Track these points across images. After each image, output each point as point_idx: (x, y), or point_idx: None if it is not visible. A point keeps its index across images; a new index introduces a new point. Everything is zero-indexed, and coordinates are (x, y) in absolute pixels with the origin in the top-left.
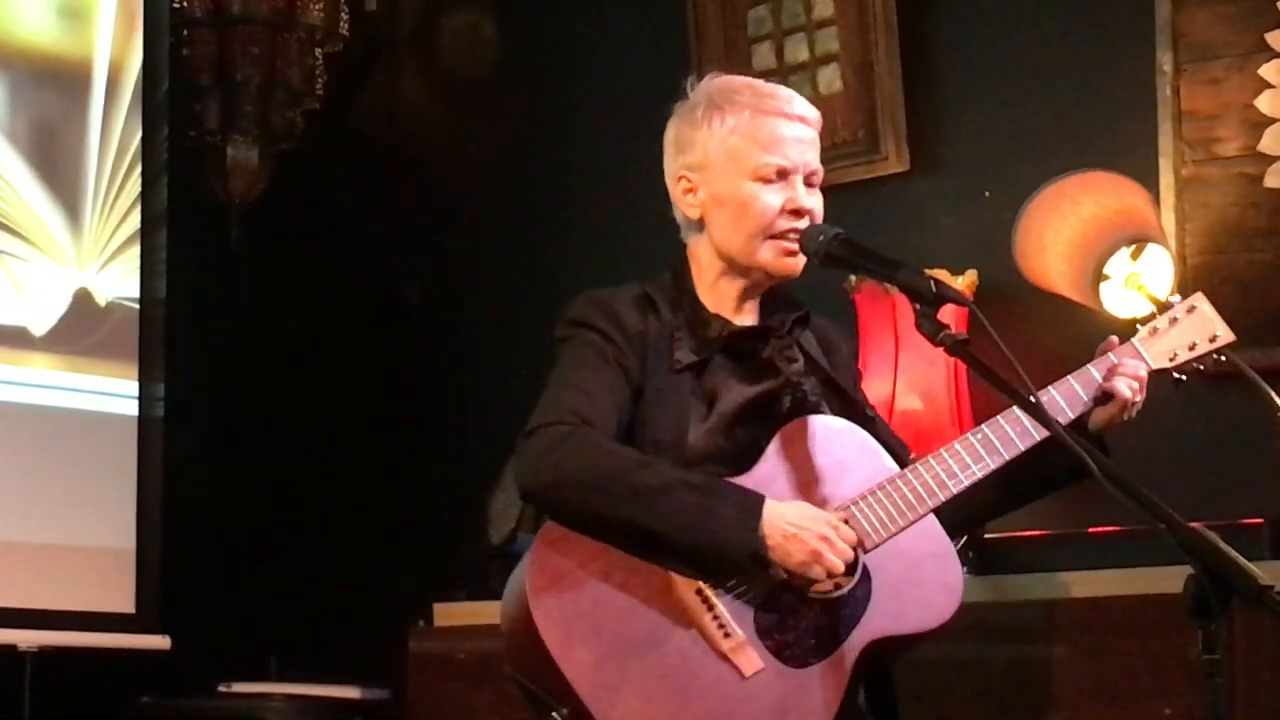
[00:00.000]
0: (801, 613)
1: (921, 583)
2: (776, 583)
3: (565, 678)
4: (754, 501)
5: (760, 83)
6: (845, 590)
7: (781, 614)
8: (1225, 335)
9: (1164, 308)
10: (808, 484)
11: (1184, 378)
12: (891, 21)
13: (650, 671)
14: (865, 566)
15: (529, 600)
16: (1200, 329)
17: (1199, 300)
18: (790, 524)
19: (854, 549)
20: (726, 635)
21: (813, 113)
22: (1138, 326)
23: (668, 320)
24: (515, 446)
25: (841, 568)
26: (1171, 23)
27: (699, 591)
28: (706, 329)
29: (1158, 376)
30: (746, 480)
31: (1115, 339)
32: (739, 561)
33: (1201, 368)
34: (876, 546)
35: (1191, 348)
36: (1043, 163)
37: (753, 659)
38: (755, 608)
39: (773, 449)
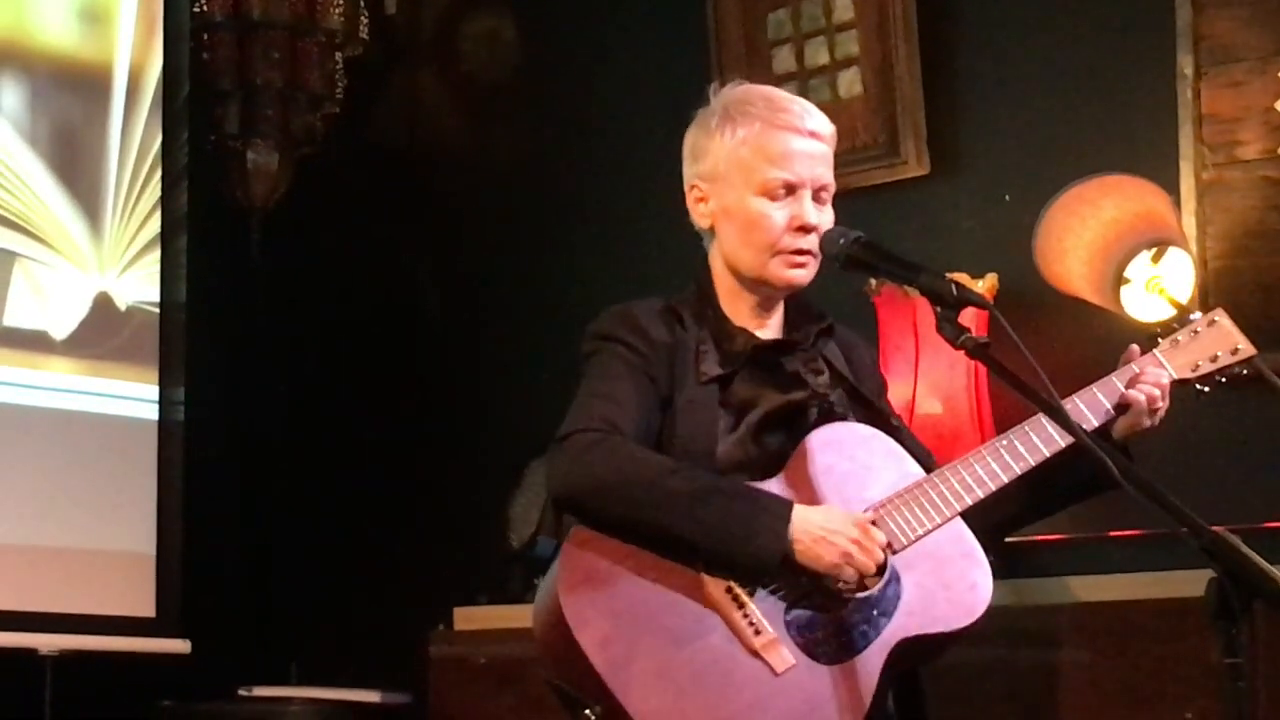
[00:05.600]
0: (832, 611)
1: (950, 584)
2: (807, 583)
3: (598, 675)
4: (783, 507)
5: (777, 95)
6: (875, 590)
7: (812, 612)
8: (1246, 348)
9: (1185, 321)
10: (834, 489)
11: (1206, 389)
12: (912, 25)
13: (683, 668)
14: (895, 567)
15: (561, 599)
16: (1221, 342)
17: (1219, 315)
18: (819, 527)
19: (884, 550)
20: (757, 633)
21: (826, 127)
22: (1159, 339)
23: (693, 332)
24: (546, 454)
25: (873, 568)
26: (1192, 26)
27: (729, 590)
28: (732, 342)
29: (1180, 387)
30: (773, 486)
31: (1136, 349)
32: (769, 566)
33: (1223, 379)
34: (905, 548)
35: (1214, 359)
36: (1063, 166)
37: (784, 656)
38: (786, 606)
39: (799, 455)
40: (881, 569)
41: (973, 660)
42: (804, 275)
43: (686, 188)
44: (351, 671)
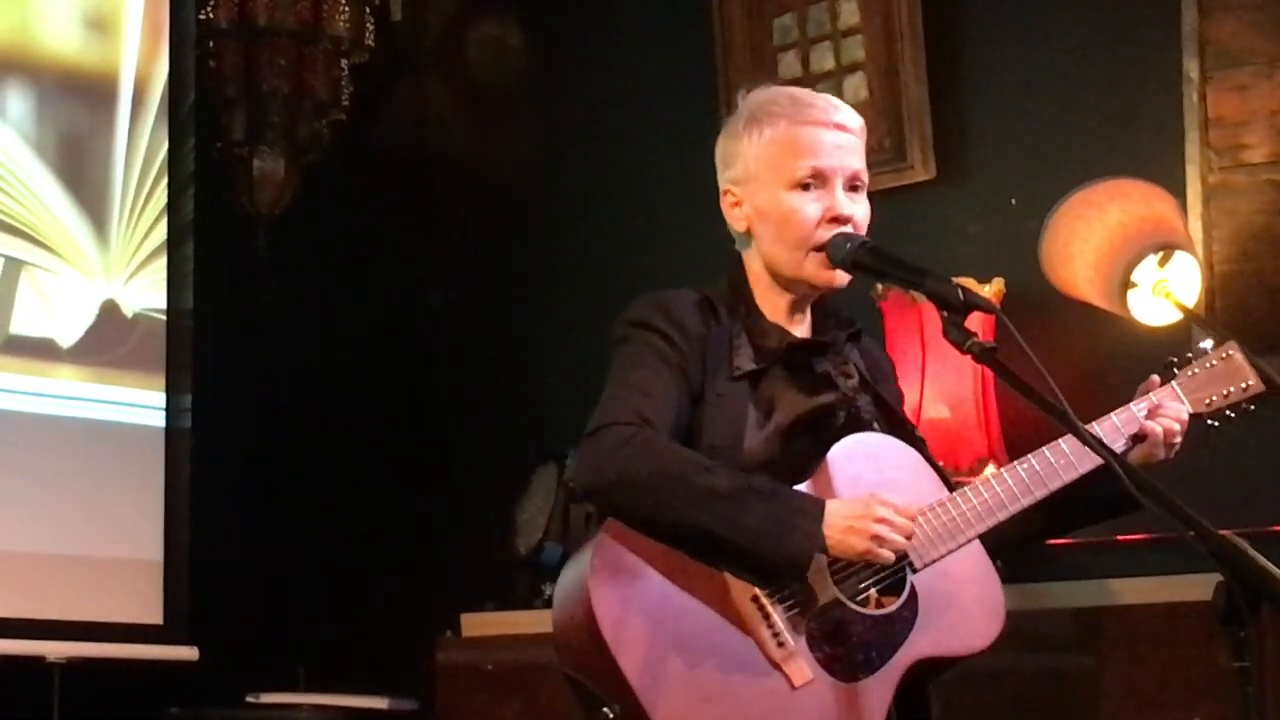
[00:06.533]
0: (852, 627)
1: (966, 606)
2: (830, 598)
3: (621, 671)
4: (816, 506)
5: (802, 93)
6: (893, 609)
7: (833, 627)
8: (1255, 385)
9: (1200, 353)
10: None
11: (1216, 424)
12: (917, 29)
13: (703, 673)
14: (913, 586)
15: (590, 590)
16: (1234, 376)
17: (1233, 348)
18: (844, 519)
19: (909, 517)
20: (780, 644)
21: (854, 120)
22: (1174, 370)
23: (727, 326)
24: (578, 446)
25: (904, 543)
26: (1198, 30)
27: (755, 599)
28: (766, 339)
29: (1191, 421)
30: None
31: (1156, 379)
32: (803, 566)
33: (1232, 414)
34: (925, 567)
35: (1226, 395)
36: (1069, 170)
37: (803, 670)
38: (809, 619)
39: (827, 464)
40: (900, 589)
41: (979, 666)
42: (844, 276)
43: (720, 194)
44: (359, 678)
